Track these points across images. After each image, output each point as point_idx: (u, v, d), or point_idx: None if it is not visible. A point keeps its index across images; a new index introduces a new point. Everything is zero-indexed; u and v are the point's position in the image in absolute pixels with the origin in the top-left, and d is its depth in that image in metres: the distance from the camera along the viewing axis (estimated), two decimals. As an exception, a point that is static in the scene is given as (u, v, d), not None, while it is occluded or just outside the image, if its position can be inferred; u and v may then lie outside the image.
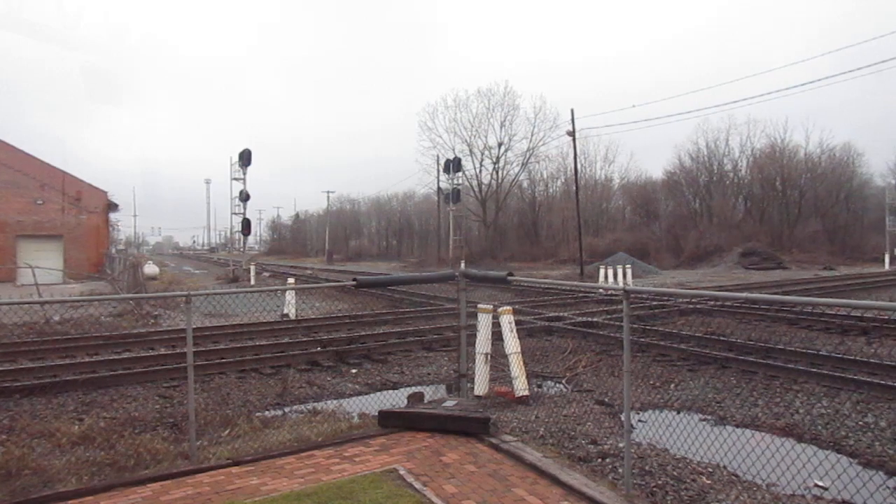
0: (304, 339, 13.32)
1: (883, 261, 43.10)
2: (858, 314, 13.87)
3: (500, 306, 8.76)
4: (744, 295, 5.26)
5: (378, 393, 9.25)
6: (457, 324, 7.39)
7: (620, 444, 5.87)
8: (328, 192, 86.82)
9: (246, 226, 39.28)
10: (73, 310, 16.63)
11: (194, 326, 7.09)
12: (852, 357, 9.93)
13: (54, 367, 10.24)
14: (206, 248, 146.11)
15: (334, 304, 21.90)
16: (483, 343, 8.13)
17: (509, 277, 6.97)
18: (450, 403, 6.78)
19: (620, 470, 5.24)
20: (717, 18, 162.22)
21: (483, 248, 56.22)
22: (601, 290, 20.74)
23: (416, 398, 7.36)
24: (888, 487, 5.30)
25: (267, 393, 9.01)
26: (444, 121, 62.53)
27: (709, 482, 5.18)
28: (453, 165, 52.60)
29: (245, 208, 38.97)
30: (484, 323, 8.25)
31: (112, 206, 44.22)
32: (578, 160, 40.58)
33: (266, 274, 40.98)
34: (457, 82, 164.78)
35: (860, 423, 6.98)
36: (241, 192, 38.69)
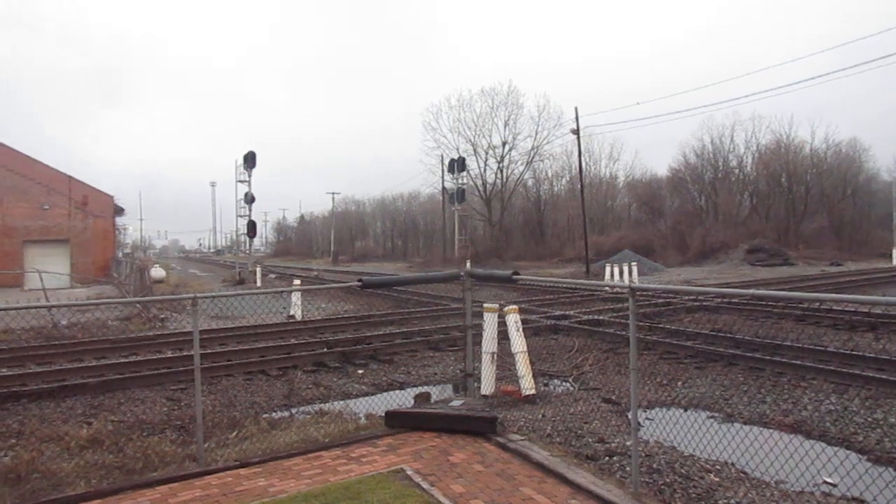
0: (311, 340, 13.34)
1: (890, 256, 42.90)
2: (866, 310, 13.80)
3: (505, 305, 8.75)
4: (751, 291, 5.24)
5: (384, 393, 9.26)
6: (463, 323, 7.39)
7: (628, 443, 5.85)
8: (333, 193, 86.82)
9: (251, 228, 39.39)
10: (80, 314, 16.71)
11: (201, 329, 7.12)
12: (861, 353, 9.88)
13: (62, 371, 10.27)
14: (211, 250, 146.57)
15: (340, 305, 21.92)
16: (489, 342, 8.12)
17: (514, 276, 6.96)
18: (456, 403, 6.77)
19: (628, 468, 5.23)
20: (716, 18, 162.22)
21: (488, 248, 56.11)
22: (607, 288, 20.71)
23: (423, 398, 7.37)
24: (898, 483, 5.26)
25: (274, 394, 9.03)
26: (448, 120, 62.68)
27: (717, 479, 5.16)
28: (458, 165, 52.63)
29: (250, 210, 39.11)
30: (490, 322, 8.24)
31: (118, 211, 44.39)
32: (583, 158, 40.53)
33: (272, 276, 41.07)
34: (460, 82, 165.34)
35: (869, 419, 6.94)
36: (246, 195, 38.81)
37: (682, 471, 5.30)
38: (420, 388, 9.23)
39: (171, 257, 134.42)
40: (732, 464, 5.51)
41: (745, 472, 5.38)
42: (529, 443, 5.73)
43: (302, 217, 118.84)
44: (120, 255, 45.38)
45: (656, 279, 33.49)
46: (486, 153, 58.21)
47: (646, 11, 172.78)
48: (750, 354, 10.03)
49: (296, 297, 17.93)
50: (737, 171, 60.40)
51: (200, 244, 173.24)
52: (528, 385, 7.93)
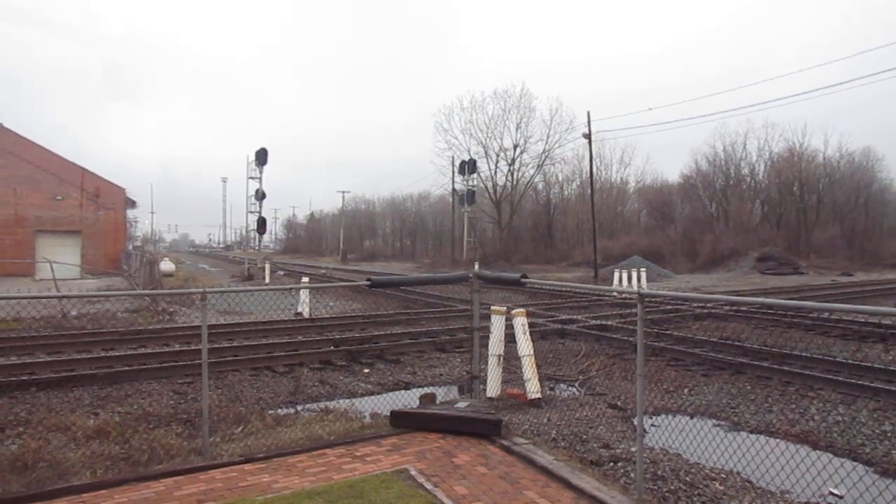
0: (318, 338, 13.37)
1: (902, 267, 42.53)
2: (876, 321, 13.68)
3: (513, 308, 8.73)
4: (760, 300, 5.22)
5: (390, 393, 9.27)
6: (470, 325, 7.38)
7: (633, 449, 5.84)
8: (343, 191, 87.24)
9: (261, 224, 39.50)
10: (89, 305, 16.82)
11: (209, 324, 7.15)
12: (869, 364, 9.80)
13: (71, 362, 10.34)
14: (221, 245, 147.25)
15: (348, 304, 21.97)
16: (496, 345, 8.12)
17: (523, 279, 6.96)
18: (462, 405, 6.77)
19: (632, 474, 5.21)
20: (727, 24, 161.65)
21: (497, 250, 56.04)
22: (615, 294, 20.65)
23: (429, 399, 7.37)
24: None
25: (280, 391, 9.07)
26: (459, 122, 62.80)
27: (721, 488, 5.13)
28: (468, 167, 52.65)
29: (261, 207, 39.23)
30: (497, 325, 8.23)
31: (130, 203, 44.69)
32: (594, 163, 40.43)
33: (280, 272, 41.20)
34: (471, 83, 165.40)
35: (877, 431, 6.89)
36: (256, 191, 38.94)
37: (687, 478, 5.27)
38: (426, 388, 9.23)
39: (180, 251, 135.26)
40: (738, 473, 5.48)
41: (750, 482, 5.34)
42: (534, 446, 5.72)
43: (312, 215, 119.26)
44: (130, 247, 45.69)
45: (665, 286, 33.35)
46: (497, 155, 58.18)
47: (657, 13, 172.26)
48: (757, 363, 9.97)
49: (304, 295, 17.96)
50: (749, 178, 60.10)
51: (210, 239, 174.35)
52: (533, 388, 7.92)
